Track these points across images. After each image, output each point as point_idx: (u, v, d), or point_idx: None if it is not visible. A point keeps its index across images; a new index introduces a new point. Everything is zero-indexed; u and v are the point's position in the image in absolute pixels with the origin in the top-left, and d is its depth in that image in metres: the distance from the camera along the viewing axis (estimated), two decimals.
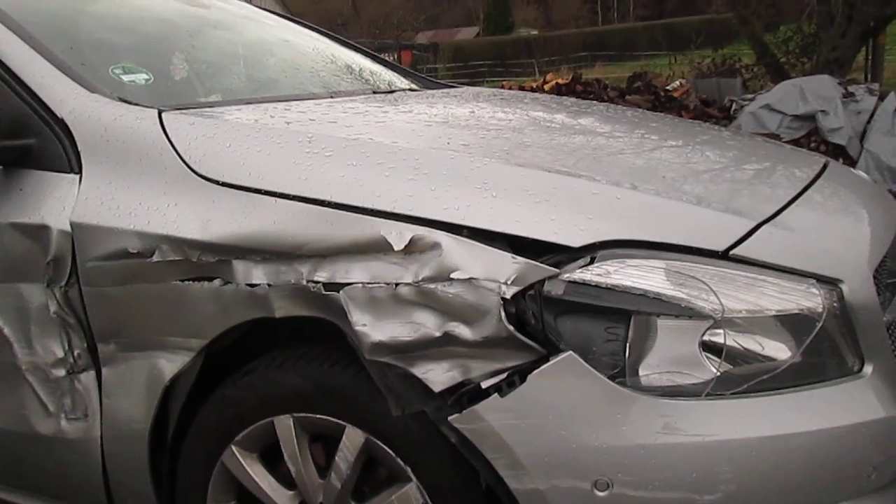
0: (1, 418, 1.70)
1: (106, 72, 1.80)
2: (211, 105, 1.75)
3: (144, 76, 1.83)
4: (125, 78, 1.81)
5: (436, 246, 1.26)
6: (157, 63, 2.01)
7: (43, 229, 1.55)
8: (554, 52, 25.33)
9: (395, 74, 2.67)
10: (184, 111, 1.62)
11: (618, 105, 2.45)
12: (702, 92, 10.80)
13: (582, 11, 44.60)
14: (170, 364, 1.52)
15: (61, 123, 1.60)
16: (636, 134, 1.80)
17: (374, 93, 2.24)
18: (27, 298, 1.61)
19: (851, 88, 8.57)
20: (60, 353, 1.61)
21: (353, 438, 1.40)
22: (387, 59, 2.85)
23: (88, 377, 1.62)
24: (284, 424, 1.45)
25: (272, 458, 1.52)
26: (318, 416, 1.42)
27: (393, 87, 2.40)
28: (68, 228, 1.53)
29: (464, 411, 1.25)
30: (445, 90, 2.39)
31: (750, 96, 10.50)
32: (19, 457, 1.73)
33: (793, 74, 14.56)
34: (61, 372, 1.62)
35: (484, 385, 1.27)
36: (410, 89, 2.45)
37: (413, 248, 1.28)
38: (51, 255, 1.54)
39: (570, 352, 1.20)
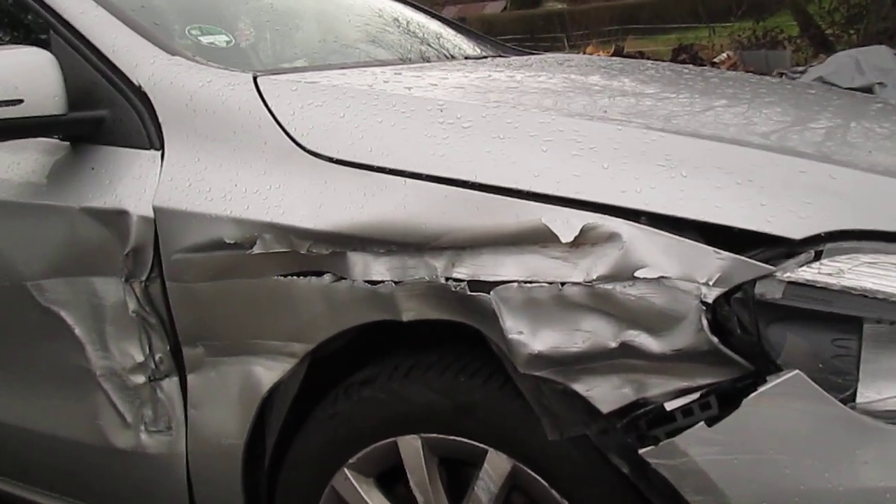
0: (71, 429, 1.50)
1: (182, 32, 1.57)
2: (305, 70, 1.51)
3: (224, 37, 1.60)
4: (203, 40, 1.58)
5: (614, 237, 1.02)
6: (230, 24, 1.78)
7: (121, 215, 1.33)
8: (586, 25, 24.72)
9: (472, 39, 2.41)
10: (281, 76, 1.39)
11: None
12: (749, 64, 10.39)
13: None
14: (268, 372, 1.31)
15: (138, 91, 1.38)
16: (797, 103, 1.53)
17: (467, 58, 2.00)
18: (101, 295, 1.39)
19: None
20: (140, 358, 1.39)
21: (496, 465, 1.17)
22: None
23: (171, 385, 1.41)
24: (411, 446, 1.22)
25: (390, 481, 1.30)
26: (452, 437, 1.19)
27: (483, 53, 2.15)
28: (150, 214, 1.31)
29: (661, 444, 1.01)
30: (541, 56, 2.13)
31: (801, 69, 10.12)
32: (91, 472, 1.53)
33: (838, 46, 14.07)
34: (140, 379, 1.40)
35: (669, 407, 1.04)
36: (499, 55, 2.19)
37: (584, 240, 1.04)
38: (130, 245, 1.32)
39: (797, 371, 0.96)
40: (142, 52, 1.41)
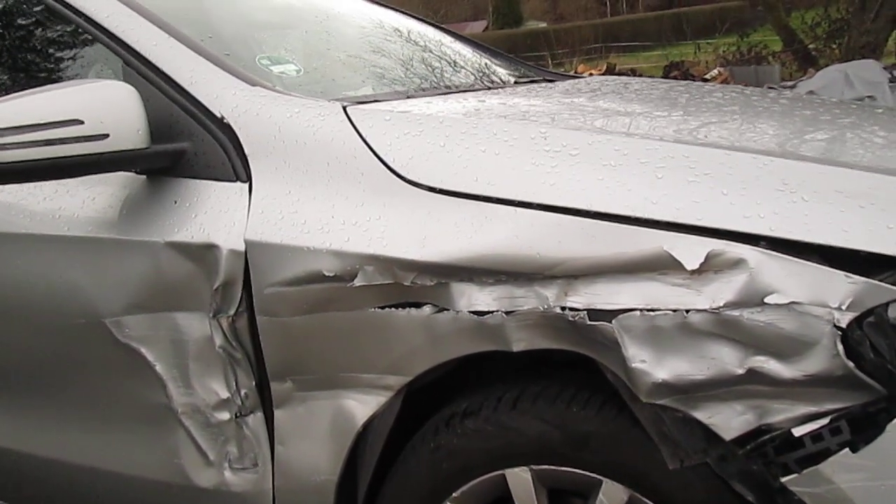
0: (150, 468, 1.47)
1: (253, 62, 1.56)
2: (387, 98, 1.50)
3: (293, 67, 1.58)
4: (275, 69, 1.56)
5: (740, 263, 1.02)
6: (296, 53, 1.77)
7: (209, 249, 1.31)
8: (570, 43, 24.95)
9: (501, 59, 2.41)
10: (369, 105, 1.37)
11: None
12: (739, 80, 10.52)
13: (590, 3, 44.14)
14: (361, 406, 1.29)
15: (220, 123, 1.36)
16: (878, 122, 1.54)
17: (517, 82, 2.00)
18: (184, 330, 1.37)
19: None
20: (225, 394, 1.37)
21: (612, 496, 1.15)
22: None
23: (257, 421, 1.38)
24: (520, 479, 1.20)
25: None
26: (565, 468, 1.18)
27: (530, 77, 2.15)
28: (241, 247, 1.29)
29: (804, 471, 1.00)
30: (588, 79, 2.13)
31: (790, 83, 10.25)
32: None
33: (822, 61, 14.27)
34: (225, 415, 1.38)
35: (797, 432, 1.03)
36: (544, 79, 2.20)
37: (708, 267, 1.03)
38: (220, 279, 1.30)
39: None
40: (221, 83, 1.39)
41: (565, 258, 1.09)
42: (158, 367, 1.39)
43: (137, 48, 1.45)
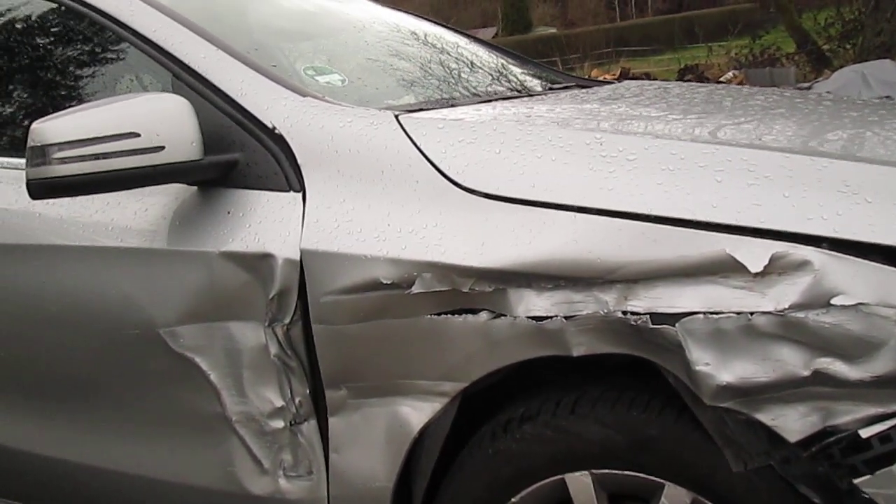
0: (203, 476, 1.48)
1: (299, 73, 1.57)
2: (432, 106, 1.51)
3: (338, 77, 1.60)
4: (320, 79, 1.58)
5: (804, 265, 1.02)
6: (338, 63, 1.79)
7: (264, 258, 1.32)
8: (581, 48, 24.99)
9: (538, 69, 2.42)
10: (420, 114, 1.39)
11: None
12: (754, 82, 10.49)
13: (599, 8, 44.19)
14: (417, 412, 1.29)
15: (272, 133, 1.38)
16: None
17: (552, 88, 2.00)
18: (239, 339, 1.38)
19: None
20: (279, 402, 1.38)
21: (675, 499, 1.15)
22: None
23: (311, 428, 1.39)
24: (581, 483, 1.20)
25: None
26: (626, 472, 1.18)
27: (563, 84, 2.16)
28: (296, 257, 1.30)
29: (877, 473, 1.00)
30: (626, 84, 2.13)
31: (806, 85, 10.21)
32: None
33: (836, 62, 14.21)
34: (279, 423, 1.39)
35: (864, 434, 1.03)
36: (576, 85, 2.20)
37: (771, 269, 1.03)
38: (275, 288, 1.31)
39: None
40: (272, 94, 1.41)
41: (625, 262, 1.10)
42: (213, 376, 1.41)
43: (187, 61, 1.47)
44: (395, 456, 1.31)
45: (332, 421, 1.36)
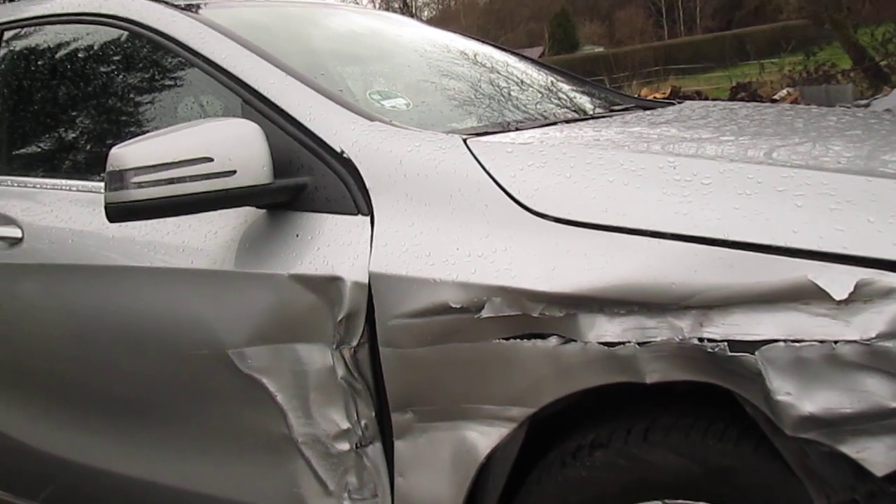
0: (269, 497, 1.49)
1: (365, 97, 1.59)
2: (497, 129, 1.51)
3: (403, 100, 1.61)
4: (386, 103, 1.59)
5: (891, 293, 0.99)
6: (401, 87, 1.81)
7: (333, 281, 1.33)
8: (630, 66, 24.85)
9: (598, 91, 2.41)
10: (488, 137, 1.39)
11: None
12: (810, 100, 10.30)
13: (646, 26, 43.98)
14: (483, 437, 1.28)
15: (340, 157, 1.39)
16: None
17: (614, 111, 1.99)
18: (306, 361, 1.39)
19: None
20: (345, 424, 1.38)
21: None
22: None
23: (376, 451, 1.39)
24: None
25: None
26: (700, 503, 1.15)
27: (625, 105, 2.15)
28: (364, 280, 1.30)
29: None
30: (692, 104, 2.10)
31: (864, 101, 9.97)
32: None
33: (893, 77, 13.87)
34: (345, 446, 1.39)
35: None
36: (640, 106, 2.18)
37: (856, 296, 1.00)
38: (344, 311, 1.32)
39: None
40: (340, 118, 1.43)
41: (701, 288, 1.08)
42: (280, 398, 1.42)
43: (257, 86, 1.50)
44: (462, 481, 1.30)
45: (397, 444, 1.36)
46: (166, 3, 1.75)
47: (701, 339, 1.08)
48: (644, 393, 1.20)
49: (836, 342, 1.00)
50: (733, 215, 1.09)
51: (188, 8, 1.74)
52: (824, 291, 1.01)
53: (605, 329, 1.15)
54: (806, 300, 1.03)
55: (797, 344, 1.02)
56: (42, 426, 1.83)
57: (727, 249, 1.08)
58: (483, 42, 2.51)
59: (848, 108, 9.60)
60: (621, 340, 1.14)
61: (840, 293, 1.00)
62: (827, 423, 1.02)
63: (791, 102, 9.99)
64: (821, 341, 1.01)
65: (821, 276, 1.02)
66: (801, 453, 1.06)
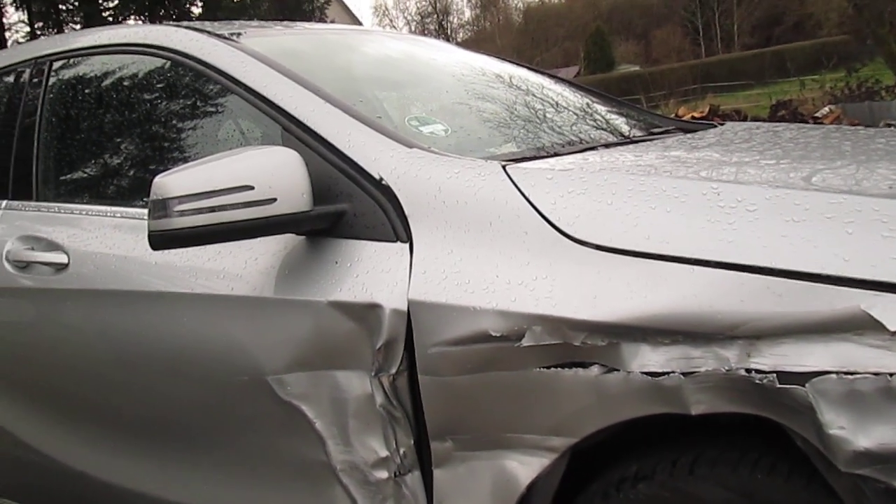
0: None
1: (403, 123, 1.60)
2: (536, 155, 1.50)
3: (441, 126, 1.61)
4: (424, 129, 1.59)
5: None
6: (437, 113, 1.81)
7: (372, 308, 1.33)
8: (667, 85, 24.69)
9: (638, 113, 2.38)
10: (527, 164, 1.38)
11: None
12: (853, 117, 10.10)
13: (683, 44, 43.73)
14: (524, 467, 1.26)
15: (379, 184, 1.39)
16: None
17: (654, 134, 1.96)
18: (345, 388, 1.39)
19: None
20: (384, 452, 1.37)
21: None
22: None
23: (415, 480, 1.37)
24: None
25: None
26: None
27: (665, 128, 2.12)
28: (403, 307, 1.30)
29: None
30: (731, 127, 2.07)
31: None
32: None
33: None
34: (384, 474, 1.38)
35: None
36: (678, 129, 2.15)
37: None
38: (383, 338, 1.31)
39: None
40: (379, 145, 1.43)
41: (749, 318, 1.05)
42: (318, 425, 1.41)
43: (296, 114, 1.51)
44: None
45: (436, 473, 1.34)
46: (208, 32, 1.79)
47: (749, 370, 1.05)
48: (687, 424, 1.17)
49: (891, 374, 0.97)
50: (780, 243, 1.07)
51: (229, 37, 1.77)
52: (878, 322, 0.98)
53: (648, 358, 1.13)
54: (859, 331, 1.00)
55: (850, 376, 0.99)
56: (83, 448, 1.85)
57: (775, 278, 1.05)
58: (518, 64, 2.50)
59: (891, 125, 9.39)
60: (666, 370, 1.11)
61: (894, 324, 0.97)
62: (883, 459, 0.98)
63: (834, 120, 9.81)
64: (875, 373, 0.98)
65: (874, 306, 0.99)
66: (856, 490, 1.02)
